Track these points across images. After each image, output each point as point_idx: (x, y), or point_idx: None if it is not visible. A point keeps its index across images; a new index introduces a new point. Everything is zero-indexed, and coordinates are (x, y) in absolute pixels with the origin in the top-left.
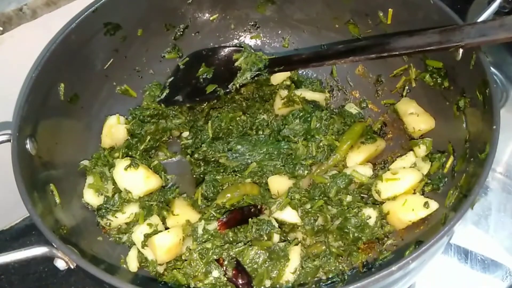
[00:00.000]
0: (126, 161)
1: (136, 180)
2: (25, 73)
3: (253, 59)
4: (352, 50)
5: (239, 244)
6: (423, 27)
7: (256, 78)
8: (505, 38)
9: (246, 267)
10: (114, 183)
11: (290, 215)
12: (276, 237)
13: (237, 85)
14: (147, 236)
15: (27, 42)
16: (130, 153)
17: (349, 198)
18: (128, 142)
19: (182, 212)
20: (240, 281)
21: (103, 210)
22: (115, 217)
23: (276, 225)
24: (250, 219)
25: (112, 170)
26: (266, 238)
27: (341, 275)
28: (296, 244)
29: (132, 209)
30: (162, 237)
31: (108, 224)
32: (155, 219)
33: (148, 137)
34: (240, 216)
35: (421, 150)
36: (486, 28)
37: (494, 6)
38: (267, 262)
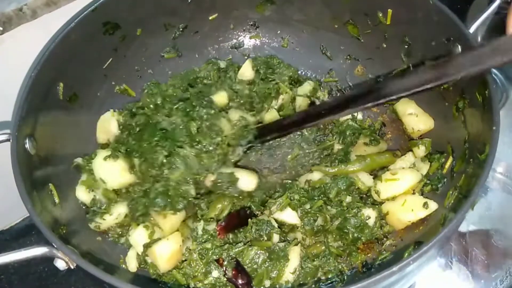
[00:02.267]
0: (107, 152)
1: (113, 171)
2: (24, 73)
3: (240, 133)
4: (346, 103)
5: (239, 244)
6: (423, 28)
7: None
8: (500, 62)
9: (245, 267)
10: None
11: (290, 216)
12: (275, 237)
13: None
14: (146, 246)
15: (27, 42)
16: (119, 147)
17: (349, 198)
18: (119, 136)
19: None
20: (239, 281)
21: (91, 214)
22: (103, 219)
23: (276, 225)
24: (249, 219)
25: None
26: (266, 238)
27: (341, 275)
28: (296, 244)
29: (118, 210)
30: (162, 246)
31: (97, 227)
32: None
33: (138, 128)
34: (237, 219)
35: (420, 150)
36: (479, 55)
37: (493, 7)
38: (266, 262)
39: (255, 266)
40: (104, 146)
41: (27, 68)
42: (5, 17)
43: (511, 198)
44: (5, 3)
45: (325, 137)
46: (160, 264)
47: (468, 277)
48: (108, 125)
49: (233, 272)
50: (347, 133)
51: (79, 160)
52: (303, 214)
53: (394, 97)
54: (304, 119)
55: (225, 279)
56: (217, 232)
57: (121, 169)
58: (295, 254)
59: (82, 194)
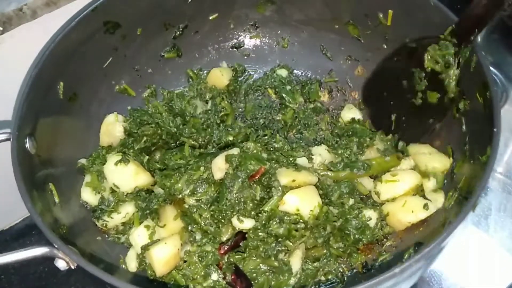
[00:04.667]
0: (118, 156)
1: (125, 175)
2: (24, 73)
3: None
4: None
5: (240, 251)
6: (423, 29)
7: None
8: None
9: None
10: None
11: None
12: (281, 255)
13: None
14: (145, 248)
15: (27, 42)
16: (125, 151)
17: (351, 201)
18: (124, 141)
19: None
20: (239, 286)
21: (99, 212)
22: (111, 217)
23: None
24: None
25: None
26: (273, 258)
27: (341, 276)
28: (298, 248)
29: (127, 209)
30: (160, 249)
31: (104, 225)
32: (151, 221)
33: (144, 138)
34: (241, 238)
35: (431, 183)
36: None
37: None
38: (267, 272)
39: (254, 275)
40: (107, 148)
41: (27, 68)
42: (5, 17)
43: (511, 198)
44: (5, 3)
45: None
46: (156, 267)
47: (468, 275)
48: (113, 129)
49: (232, 277)
50: (359, 139)
51: (83, 161)
52: (314, 226)
53: None
54: None
55: (224, 282)
56: (221, 253)
57: (134, 173)
58: (296, 258)
59: (88, 195)
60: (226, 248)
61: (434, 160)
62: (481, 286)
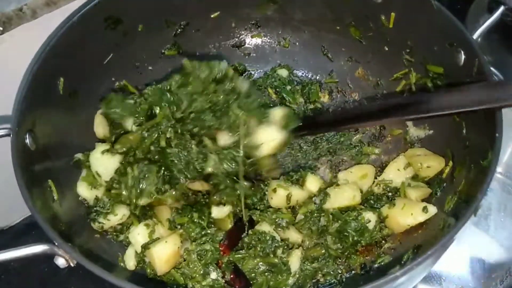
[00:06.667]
0: (106, 146)
1: (109, 165)
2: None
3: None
4: (388, 110)
5: (240, 251)
6: (426, 32)
7: None
8: None
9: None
10: None
11: (293, 234)
12: (279, 251)
13: None
14: (144, 247)
15: (27, 42)
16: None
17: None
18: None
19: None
20: (237, 286)
21: (94, 214)
22: (107, 219)
23: (279, 238)
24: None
25: None
26: (272, 255)
27: (339, 278)
28: (297, 248)
29: (123, 211)
30: (160, 248)
31: (101, 227)
32: (151, 220)
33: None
34: (236, 232)
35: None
36: None
37: (496, 15)
38: (266, 273)
39: (253, 275)
40: (103, 140)
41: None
42: (5, 17)
43: (511, 198)
44: (5, 3)
45: None
46: (157, 266)
47: (468, 276)
48: (106, 120)
49: (231, 276)
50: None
51: (79, 155)
52: (307, 216)
53: (440, 113)
54: (340, 121)
55: (223, 281)
56: (222, 252)
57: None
58: (295, 258)
59: (84, 190)
60: (225, 243)
61: (429, 159)
62: (481, 286)
